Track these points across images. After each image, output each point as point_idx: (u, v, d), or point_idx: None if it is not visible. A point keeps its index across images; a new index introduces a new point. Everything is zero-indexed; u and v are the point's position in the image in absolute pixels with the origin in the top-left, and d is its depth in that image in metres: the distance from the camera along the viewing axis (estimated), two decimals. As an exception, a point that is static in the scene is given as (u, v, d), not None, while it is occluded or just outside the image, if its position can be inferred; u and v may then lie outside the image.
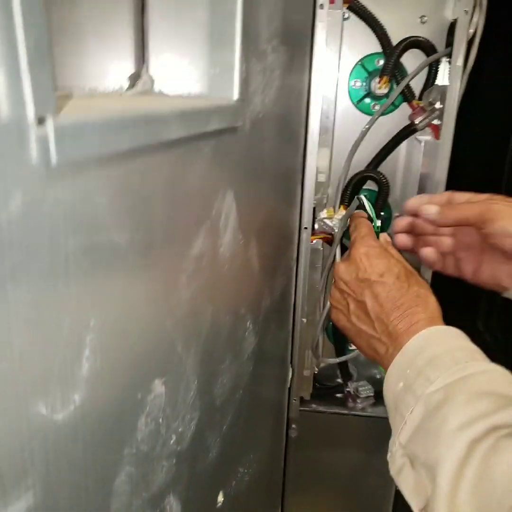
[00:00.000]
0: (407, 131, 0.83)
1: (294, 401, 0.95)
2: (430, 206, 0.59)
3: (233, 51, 0.38)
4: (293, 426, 0.99)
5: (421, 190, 0.86)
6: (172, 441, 0.36)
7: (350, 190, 0.86)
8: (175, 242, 0.35)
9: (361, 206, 0.69)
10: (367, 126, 0.83)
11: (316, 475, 1.01)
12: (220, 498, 0.50)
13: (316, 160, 0.81)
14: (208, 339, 0.41)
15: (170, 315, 0.35)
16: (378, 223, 0.68)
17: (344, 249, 0.76)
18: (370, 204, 0.67)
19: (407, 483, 0.45)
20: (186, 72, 0.40)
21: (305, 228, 0.84)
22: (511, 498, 0.35)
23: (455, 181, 0.80)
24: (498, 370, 0.45)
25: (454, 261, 0.63)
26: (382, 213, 0.88)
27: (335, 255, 0.77)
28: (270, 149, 0.54)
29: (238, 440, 0.54)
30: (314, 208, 0.86)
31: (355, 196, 0.71)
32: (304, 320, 0.90)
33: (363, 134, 0.84)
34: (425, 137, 0.83)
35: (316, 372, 0.96)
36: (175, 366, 0.36)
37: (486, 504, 0.37)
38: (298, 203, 0.76)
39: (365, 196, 0.70)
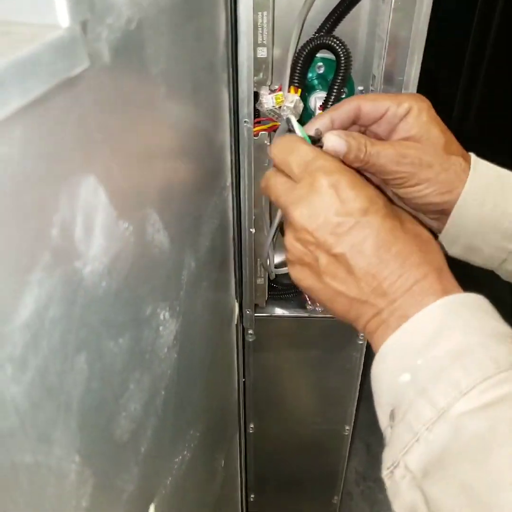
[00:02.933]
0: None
1: (247, 312, 0.87)
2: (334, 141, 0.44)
3: None
4: (250, 331, 0.92)
5: (391, 58, 0.67)
6: None
7: (301, 65, 0.67)
8: None
9: (290, 130, 0.48)
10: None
11: (277, 376, 0.98)
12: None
13: (252, 29, 0.60)
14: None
15: None
16: None
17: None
18: (301, 128, 0.46)
19: None
20: None
21: (245, 121, 0.66)
22: None
23: (436, 46, 0.62)
24: None
25: None
26: (344, 89, 0.71)
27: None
28: (167, 56, 0.35)
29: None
30: (255, 93, 0.67)
31: (284, 116, 0.51)
32: (253, 230, 0.77)
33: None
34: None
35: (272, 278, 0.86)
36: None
37: None
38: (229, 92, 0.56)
39: (294, 116, 0.50)
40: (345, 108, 0.47)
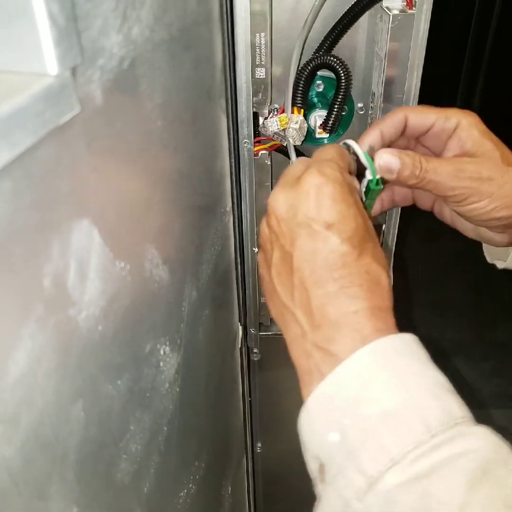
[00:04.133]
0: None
1: (251, 331, 0.86)
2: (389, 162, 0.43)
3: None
4: (255, 350, 0.91)
5: (390, 76, 0.67)
6: None
7: (302, 86, 0.67)
8: None
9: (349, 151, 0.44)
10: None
11: (283, 394, 0.96)
12: None
13: (250, 51, 0.59)
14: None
15: None
16: (377, 176, 0.43)
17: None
18: (365, 153, 0.43)
19: None
20: None
21: (245, 142, 0.66)
22: None
23: (434, 65, 0.61)
24: (489, 441, 0.31)
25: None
26: (345, 107, 0.70)
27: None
28: (163, 89, 0.34)
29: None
30: (255, 114, 0.67)
31: (342, 142, 0.46)
32: (255, 249, 0.76)
33: (318, 8, 0.61)
34: (394, 4, 0.62)
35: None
36: None
37: None
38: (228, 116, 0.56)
39: (354, 140, 0.45)
40: (393, 119, 0.47)
